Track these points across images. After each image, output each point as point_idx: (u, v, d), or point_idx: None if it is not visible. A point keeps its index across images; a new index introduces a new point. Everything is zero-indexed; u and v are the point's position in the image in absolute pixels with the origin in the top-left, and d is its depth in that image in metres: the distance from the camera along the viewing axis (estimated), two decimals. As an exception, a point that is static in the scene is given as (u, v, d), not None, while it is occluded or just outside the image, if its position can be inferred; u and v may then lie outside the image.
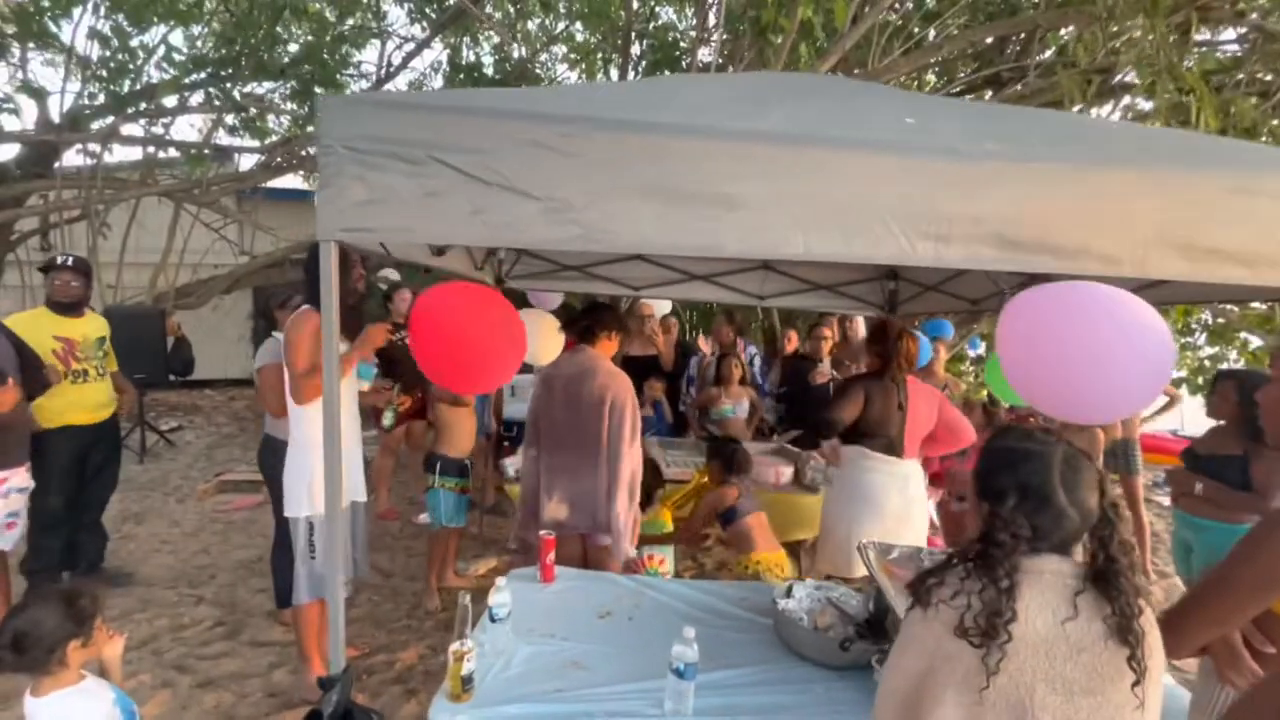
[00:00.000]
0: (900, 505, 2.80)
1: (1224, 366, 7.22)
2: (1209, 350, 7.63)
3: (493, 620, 1.86)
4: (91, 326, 3.39)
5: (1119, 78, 5.30)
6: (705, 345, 5.45)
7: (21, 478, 2.91)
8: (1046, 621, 1.02)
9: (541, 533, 2.34)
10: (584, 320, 2.76)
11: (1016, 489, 1.08)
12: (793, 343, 5.20)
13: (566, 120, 1.44)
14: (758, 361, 4.91)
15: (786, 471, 3.70)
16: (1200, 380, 7.28)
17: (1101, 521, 1.08)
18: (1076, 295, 1.63)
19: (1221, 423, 2.79)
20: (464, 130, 1.41)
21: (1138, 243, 1.51)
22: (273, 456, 2.74)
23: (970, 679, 1.02)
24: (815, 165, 1.46)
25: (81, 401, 3.29)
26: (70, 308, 3.29)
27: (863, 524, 2.71)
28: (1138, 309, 1.60)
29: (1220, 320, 7.30)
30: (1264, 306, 6.79)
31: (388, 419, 3.82)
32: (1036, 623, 1.02)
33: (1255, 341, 7.16)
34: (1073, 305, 1.62)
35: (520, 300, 4.92)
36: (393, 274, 6.01)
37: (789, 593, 2.12)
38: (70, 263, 3.30)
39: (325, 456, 1.58)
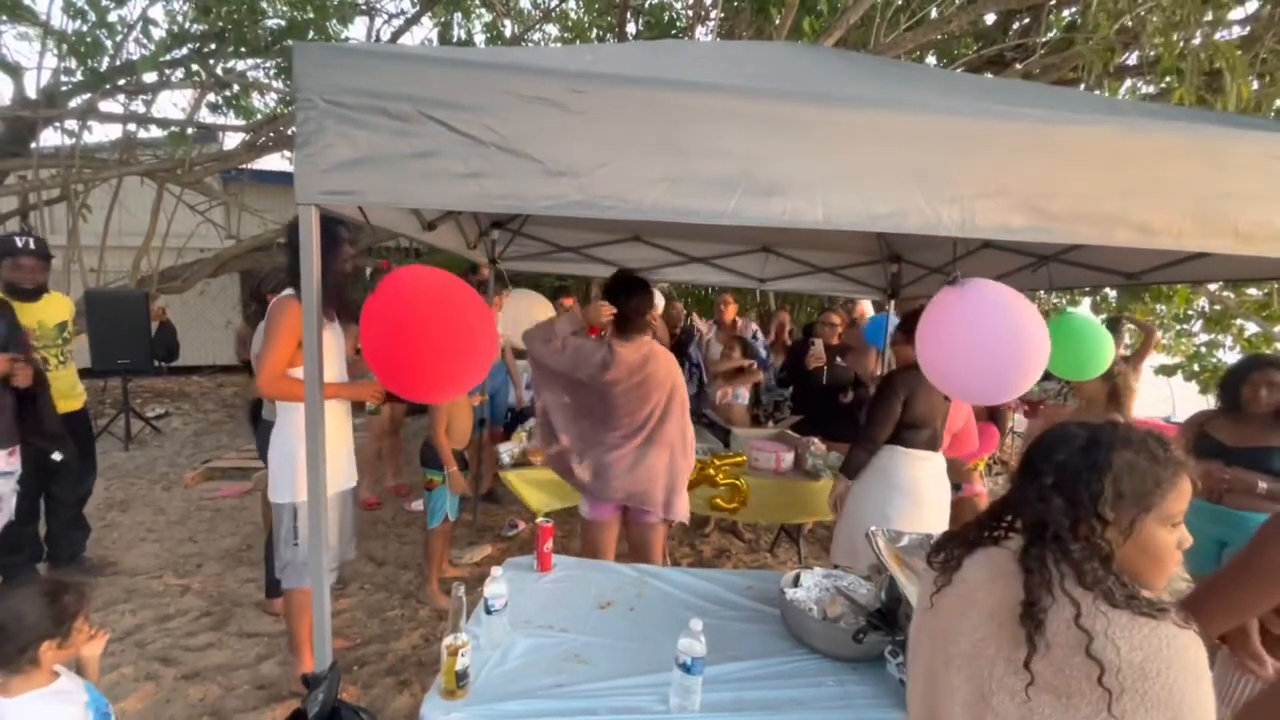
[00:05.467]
0: (937, 499, 2.70)
1: (1221, 355, 7.19)
2: (1204, 337, 7.58)
3: (488, 612, 1.77)
4: (49, 311, 3.16)
5: (1128, 57, 5.20)
6: (704, 326, 5.35)
7: (9, 461, 2.77)
8: (1009, 602, 0.96)
9: (539, 521, 2.26)
10: (627, 308, 2.52)
11: (1021, 471, 1.08)
12: (784, 323, 5.10)
13: (576, 75, 1.31)
14: (760, 335, 4.82)
15: (787, 457, 3.63)
16: (1196, 366, 7.26)
17: (1071, 510, 0.95)
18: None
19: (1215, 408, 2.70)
20: (458, 84, 1.28)
21: (1177, 212, 1.42)
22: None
23: (937, 640, 1.06)
24: (837, 125, 1.35)
25: None
26: (30, 293, 3.09)
27: (902, 522, 2.53)
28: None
29: (1216, 307, 7.25)
30: (1260, 293, 6.74)
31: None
32: (1008, 598, 0.96)
33: (1251, 328, 7.11)
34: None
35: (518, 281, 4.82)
36: None
37: (796, 581, 2.05)
38: (32, 245, 3.10)
39: (308, 441, 1.47)
